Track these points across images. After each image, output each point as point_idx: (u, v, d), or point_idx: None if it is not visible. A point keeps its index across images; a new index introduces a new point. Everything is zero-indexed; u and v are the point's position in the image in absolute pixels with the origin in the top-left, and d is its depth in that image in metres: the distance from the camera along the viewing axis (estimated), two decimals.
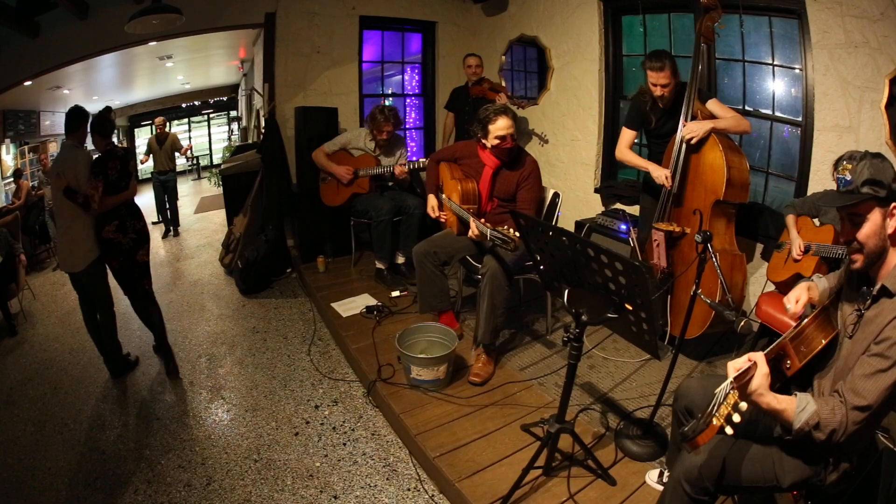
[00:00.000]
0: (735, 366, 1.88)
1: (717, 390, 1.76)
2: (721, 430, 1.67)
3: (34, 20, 5.64)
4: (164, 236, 9.36)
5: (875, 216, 1.88)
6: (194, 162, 18.42)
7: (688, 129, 3.85)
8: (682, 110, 3.92)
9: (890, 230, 1.88)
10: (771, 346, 1.98)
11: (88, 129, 4.23)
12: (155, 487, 3.20)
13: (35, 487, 3.26)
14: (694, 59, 3.89)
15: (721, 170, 3.76)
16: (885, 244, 1.90)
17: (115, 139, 4.36)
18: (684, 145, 3.91)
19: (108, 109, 4.26)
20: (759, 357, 1.87)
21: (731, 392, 1.71)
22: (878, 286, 1.90)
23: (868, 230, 1.89)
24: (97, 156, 4.19)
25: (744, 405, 1.67)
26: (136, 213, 4.34)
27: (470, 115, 6.26)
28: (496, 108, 4.03)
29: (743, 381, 1.81)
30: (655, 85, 3.99)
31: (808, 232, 3.77)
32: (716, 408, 1.69)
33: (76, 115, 4.16)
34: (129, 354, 4.67)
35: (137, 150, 16.08)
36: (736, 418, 1.65)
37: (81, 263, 4.12)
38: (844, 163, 1.88)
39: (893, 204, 1.86)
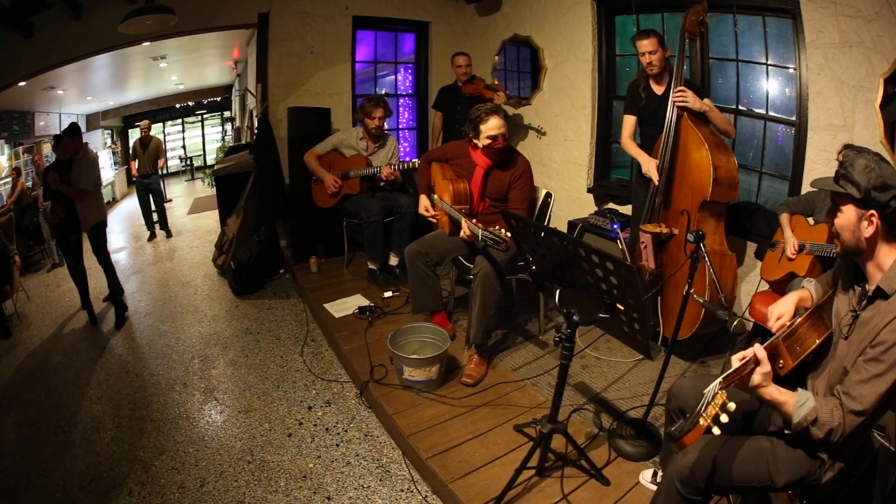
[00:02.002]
0: (739, 357, 1.89)
1: (706, 390, 1.74)
2: (708, 430, 1.66)
3: (28, 20, 5.62)
4: (150, 239, 9.30)
5: (849, 211, 1.89)
6: (188, 163, 18.38)
7: (685, 95, 3.87)
8: (671, 85, 3.96)
9: (866, 234, 1.86)
10: (764, 345, 1.98)
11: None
12: (149, 489, 3.20)
13: (30, 489, 3.26)
14: (679, 54, 3.92)
15: (707, 169, 3.76)
16: (860, 244, 1.89)
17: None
18: (673, 122, 3.94)
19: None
20: (760, 351, 1.88)
21: (720, 392, 1.69)
22: (873, 287, 1.90)
23: (841, 221, 1.92)
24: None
25: (732, 405, 1.65)
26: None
27: (462, 115, 6.26)
28: (487, 108, 4.04)
29: (739, 376, 1.82)
30: (644, 54, 4.10)
31: (802, 231, 3.78)
32: (703, 408, 1.68)
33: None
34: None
35: (131, 152, 16.11)
36: (724, 419, 1.64)
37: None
38: (846, 151, 1.90)
39: (871, 212, 1.84)
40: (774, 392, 1.88)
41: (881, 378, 1.76)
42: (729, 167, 3.82)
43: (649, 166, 4.08)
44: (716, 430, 1.64)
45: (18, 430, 3.86)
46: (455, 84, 6.44)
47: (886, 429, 2.83)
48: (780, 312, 2.30)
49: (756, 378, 1.85)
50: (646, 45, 4.04)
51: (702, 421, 1.64)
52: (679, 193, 4.03)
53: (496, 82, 6.54)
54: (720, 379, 1.76)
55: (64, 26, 5.73)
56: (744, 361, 1.85)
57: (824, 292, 2.32)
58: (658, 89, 4.20)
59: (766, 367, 1.86)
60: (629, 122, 4.43)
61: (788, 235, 3.77)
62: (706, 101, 3.93)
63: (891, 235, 1.88)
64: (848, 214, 1.89)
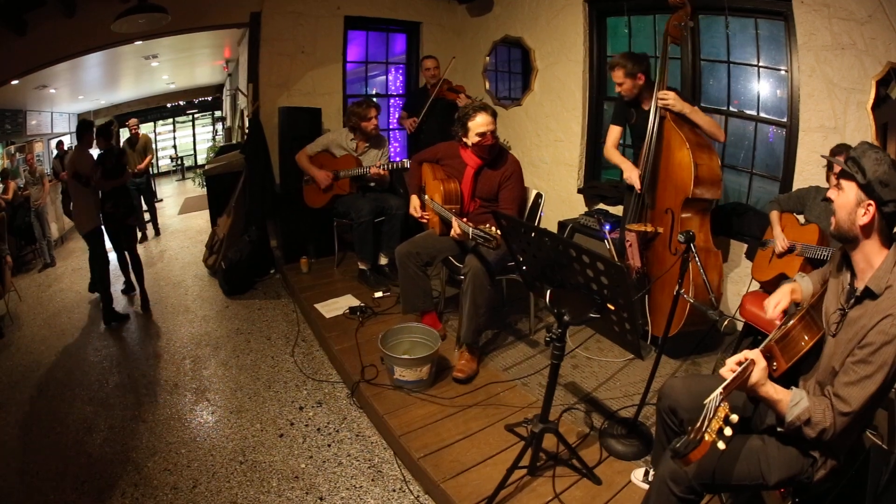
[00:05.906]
0: (736, 361, 1.92)
1: (707, 401, 1.72)
2: (713, 444, 1.63)
3: (22, 17, 5.58)
4: (141, 241, 9.16)
5: (850, 190, 1.91)
6: (178, 162, 18.30)
7: (667, 95, 3.90)
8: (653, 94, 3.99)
9: (860, 221, 1.89)
10: (759, 347, 2.00)
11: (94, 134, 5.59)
12: (142, 490, 3.19)
13: (23, 491, 3.25)
14: (661, 59, 3.95)
15: (688, 168, 3.80)
16: (854, 228, 1.92)
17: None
18: (654, 134, 3.98)
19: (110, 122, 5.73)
20: (754, 354, 1.91)
21: (722, 405, 1.68)
22: (862, 286, 1.92)
23: (840, 200, 1.95)
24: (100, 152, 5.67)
25: (735, 417, 1.63)
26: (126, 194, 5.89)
27: (429, 117, 6.27)
28: (476, 105, 4.06)
29: (738, 381, 1.83)
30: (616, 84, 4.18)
31: (792, 230, 3.80)
32: (707, 423, 1.65)
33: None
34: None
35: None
36: (728, 432, 1.62)
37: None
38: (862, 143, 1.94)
39: (870, 202, 1.86)
40: (770, 390, 1.90)
41: (870, 379, 1.78)
42: (711, 165, 3.86)
43: (631, 174, 4.14)
44: (721, 445, 1.62)
45: (11, 432, 3.84)
46: (424, 87, 6.48)
47: (879, 427, 2.85)
48: (777, 300, 2.33)
49: (755, 376, 1.86)
50: (615, 77, 4.13)
51: (707, 437, 1.61)
52: (663, 192, 4.07)
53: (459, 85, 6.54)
54: (720, 389, 1.76)
55: (57, 24, 5.70)
56: (742, 366, 1.86)
57: (814, 291, 2.34)
58: (645, 105, 4.21)
59: (762, 363, 1.88)
60: (615, 131, 4.48)
61: (778, 233, 3.79)
62: (684, 104, 3.93)
63: (884, 235, 1.90)
64: (848, 194, 1.91)
